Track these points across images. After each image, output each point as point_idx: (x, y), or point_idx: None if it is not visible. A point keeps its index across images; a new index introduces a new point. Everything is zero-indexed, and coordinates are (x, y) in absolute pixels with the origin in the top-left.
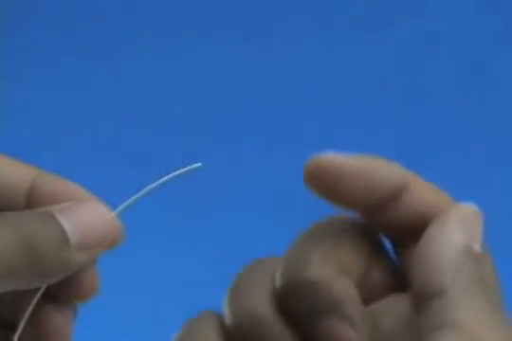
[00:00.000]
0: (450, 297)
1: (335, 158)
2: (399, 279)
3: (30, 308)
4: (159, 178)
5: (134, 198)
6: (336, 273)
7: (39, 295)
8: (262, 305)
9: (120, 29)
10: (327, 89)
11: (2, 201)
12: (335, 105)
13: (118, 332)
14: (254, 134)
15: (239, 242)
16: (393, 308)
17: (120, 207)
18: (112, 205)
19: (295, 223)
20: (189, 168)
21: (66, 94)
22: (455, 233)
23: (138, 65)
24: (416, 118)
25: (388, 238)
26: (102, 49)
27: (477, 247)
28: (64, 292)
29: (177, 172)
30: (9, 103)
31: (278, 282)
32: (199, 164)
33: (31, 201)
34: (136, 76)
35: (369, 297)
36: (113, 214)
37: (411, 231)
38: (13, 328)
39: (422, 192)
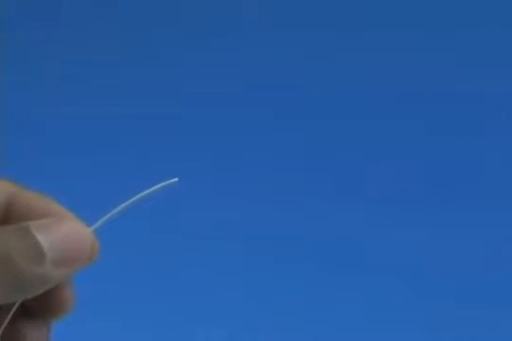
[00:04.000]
0: None
1: None
2: None
3: (5, 323)
4: (137, 193)
5: (111, 214)
6: None
7: (13, 310)
8: None
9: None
10: None
11: None
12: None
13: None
14: None
15: None
16: None
17: (97, 224)
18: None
19: None
20: (166, 183)
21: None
22: None
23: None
24: None
25: None
26: None
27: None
28: (39, 308)
29: (155, 188)
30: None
31: None
32: (176, 179)
33: (8, 216)
34: None
35: None
36: (89, 230)
37: None
38: None
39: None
